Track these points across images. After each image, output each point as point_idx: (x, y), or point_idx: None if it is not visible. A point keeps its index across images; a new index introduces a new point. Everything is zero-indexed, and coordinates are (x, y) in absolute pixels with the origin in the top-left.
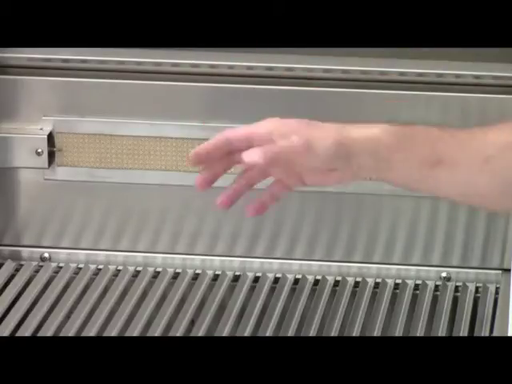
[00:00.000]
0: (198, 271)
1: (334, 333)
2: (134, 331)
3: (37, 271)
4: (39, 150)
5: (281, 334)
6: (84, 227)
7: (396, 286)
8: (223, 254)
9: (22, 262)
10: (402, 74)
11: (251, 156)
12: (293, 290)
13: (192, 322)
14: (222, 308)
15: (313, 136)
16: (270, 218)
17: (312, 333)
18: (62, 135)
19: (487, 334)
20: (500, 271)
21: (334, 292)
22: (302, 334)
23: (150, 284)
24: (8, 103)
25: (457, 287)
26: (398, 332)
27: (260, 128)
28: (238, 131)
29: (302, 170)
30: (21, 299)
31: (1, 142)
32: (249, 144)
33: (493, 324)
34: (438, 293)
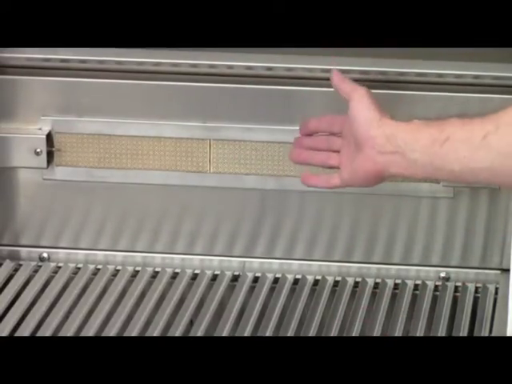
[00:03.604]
0: (196, 271)
1: (333, 333)
2: (133, 331)
3: (36, 271)
4: (38, 150)
5: (280, 334)
6: (83, 227)
7: (396, 286)
8: (222, 254)
9: (21, 262)
10: (402, 74)
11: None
12: (293, 290)
13: (191, 322)
14: (222, 308)
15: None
16: (270, 218)
17: (312, 333)
18: (61, 135)
19: (487, 334)
20: (499, 271)
21: (333, 292)
22: (302, 334)
23: (149, 284)
24: (7, 103)
25: (456, 287)
26: (398, 332)
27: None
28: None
29: None
30: (19, 299)
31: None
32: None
33: (492, 324)
34: (438, 293)
